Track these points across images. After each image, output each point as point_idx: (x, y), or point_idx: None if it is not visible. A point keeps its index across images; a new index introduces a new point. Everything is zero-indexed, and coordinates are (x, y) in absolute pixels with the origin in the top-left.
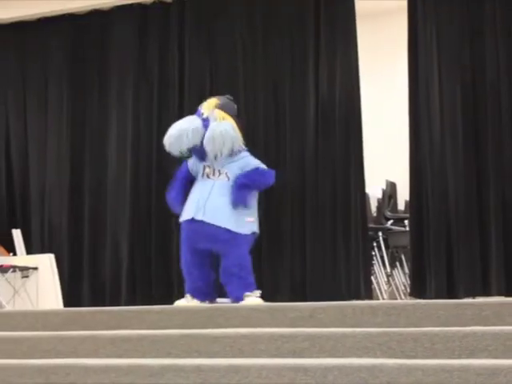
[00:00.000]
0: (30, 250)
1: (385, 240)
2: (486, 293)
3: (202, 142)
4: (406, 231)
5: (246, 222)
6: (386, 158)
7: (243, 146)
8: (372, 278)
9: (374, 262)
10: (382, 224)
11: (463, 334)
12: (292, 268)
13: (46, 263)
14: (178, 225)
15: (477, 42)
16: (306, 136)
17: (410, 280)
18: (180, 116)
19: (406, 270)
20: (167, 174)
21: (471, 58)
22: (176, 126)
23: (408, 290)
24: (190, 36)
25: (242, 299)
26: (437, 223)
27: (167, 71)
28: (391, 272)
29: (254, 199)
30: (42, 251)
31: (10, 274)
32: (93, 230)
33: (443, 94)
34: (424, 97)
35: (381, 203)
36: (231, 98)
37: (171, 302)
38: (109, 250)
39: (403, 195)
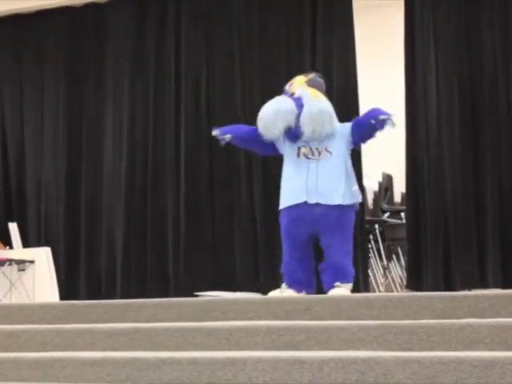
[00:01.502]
0: (26, 243)
1: (381, 232)
2: (483, 285)
3: (295, 123)
4: (402, 224)
5: (354, 192)
6: (383, 151)
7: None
8: (368, 270)
9: (371, 254)
10: (378, 216)
11: (459, 326)
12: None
13: (43, 256)
14: (174, 215)
15: (474, 34)
16: None
17: (407, 272)
18: (176, 108)
19: (403, 263)
20: (163, 166)
21: (468, 49)
22: (268, 108)
23: (404, 282)
24: (186, 28)
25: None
26: (433, 215)
27: (164, 63)
28: (387, 265)
29: (351, 166)
30: (39, 244)
31: (6, 268)
32: (89, 223)
33: (440, 86)
34: (421, 89)
35: (377, 195)
36: (319, 74)
37: (167, 295)
38: (105, 243)
39: (399, 187)
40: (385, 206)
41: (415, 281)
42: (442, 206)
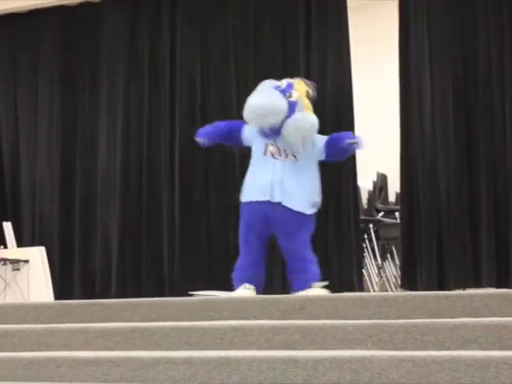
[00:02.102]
0: (20, 242)
1: (375, 232)
2: (477, 285)
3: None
4: (396, 223)
5: (315, 202)
6: (377, 150)
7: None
8: (363, 270)
9: (365, 254)
10: (372, 216)
11: (453, 325)
12: (284, 260)
13: (37, 256)
14: (169, 215)
15: (468, 34)
16: None
17: (401, 272)
18: (171, 108)
19: (397, 262)
20: (157, 166)
21: (462, 49)
22: (262, 100)
23: (399, 281)
24: (181, 27)
25: (306, 289)
26: (428, 215)
27: (158, 63)
28: (382, 264)
29: (318, 175)
30: (33, 244)
31: (0, 267)
32: (83, 223)
33: (434, 85)
34: (415, 89)
35: (371, 195)
36: (315, 85)
37: (162, 295)
38: (99, 243)
39: (394, 187)
40: (379, 206)
41: (409, 280)
42: (437, 205)
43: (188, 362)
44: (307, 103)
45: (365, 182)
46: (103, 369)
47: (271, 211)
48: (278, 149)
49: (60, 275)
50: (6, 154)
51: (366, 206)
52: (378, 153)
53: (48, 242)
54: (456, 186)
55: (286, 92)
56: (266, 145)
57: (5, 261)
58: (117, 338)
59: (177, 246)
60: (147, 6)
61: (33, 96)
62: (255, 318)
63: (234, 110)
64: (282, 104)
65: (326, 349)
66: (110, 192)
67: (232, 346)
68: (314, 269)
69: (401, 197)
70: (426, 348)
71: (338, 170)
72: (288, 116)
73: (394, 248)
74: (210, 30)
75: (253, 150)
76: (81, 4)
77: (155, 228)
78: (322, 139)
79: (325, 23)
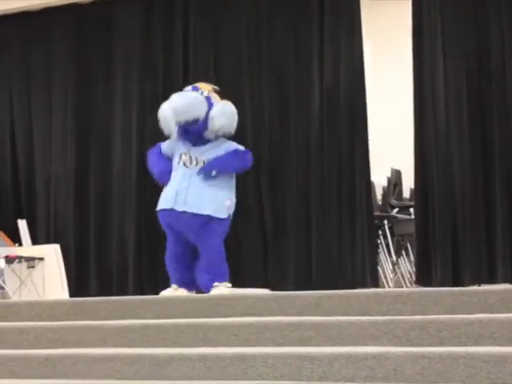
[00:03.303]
0: (35, 240)
1: (390, 228)
2: (492, 280)
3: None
4: (411, 219)
5: (224, 206)
6: (391, 146)
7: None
8: (378, 266)
9: (380, 250)
10: (387, 212)
11: (469, 321)
12: (298, 257)
13: (52, 253)
14: None
15: (482, 29)
16: (311, 124)
17: (416, 268)
18: None
19: (412, 258)
20: None
21: (476, 43)
22: (180, 99)
23: (414, 278)
24: (194, 24)
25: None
26: (442, 211)
27: (172, 59)
28: (397, 260)
29: (230, 179)
30: (48, 241)
31: (15, 265)
32: (99, 220)
33: (448, 80)
34: (429, 84)
35: (386, 191)
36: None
37: None
38: (115, 240)
39: (408, 183)
40: (394, 202)
41: (424, 276)
42: (451, 201)
43: (203, 358)
44: (217, 97)
45: (379, 178)
46: (118, 366)
47: (176, 218)
48: (190, 157)
49: (76, 273)
50: (20, 152)
51: (380, 202)
52: (392, 149)
53: (64, 240)
54: (470, 182)
55: (196, 90)
56: (180, 154)
57: (20, 258)
58: (131, 335)
59: None
60: (160, 1)
61: (47, 95)
62: (270, 314)
63: (247, 107)
64: (200, 97)
65: (341, 345)
66: (126, 190)
67: (247, 342)
68: (222, 270)
69: (415, 193)
70: (441, 344)
71: (351, 166)
72: (209, 108)
73: (408, 244)
74: (223, 26)
75: (172, 160)
76: (93, 1)
77: None
78: (231, 146)
79: (338, 18)
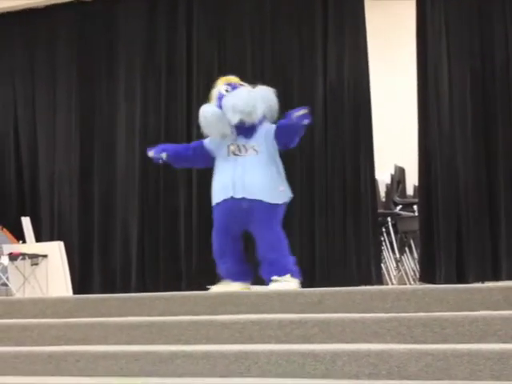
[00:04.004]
0: (39, 237)
1: (394, 225)
2: (496, 278)
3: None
4: (414, 216)
5: (279, 192)
6: (395, 143)
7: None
8: (381, 263)
9: (383, 247)
10: (390, 209)
11: (473, 318)
12: (301, 254)
13: (56, 250)
14: (186, 211)
15: (485, 27)
16: (315, 121)
17: (420, 265)
18: (188, 102)
19: (415, 255)
20: None
21: (480, 42)
22: (239, 97)
23: (417, 275)
24: (198, 22)
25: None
26: (446, 208)
27: (175, 58)
28: (400, 257)
29: (279, 168)
30: (52, 238)
31: (19, 262)
32: (102, 217)
33: (452, 77)
34: (433, 81)
35: (389, 188)
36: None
37: (180, 289)
38: (118, 237)
39: (412, 180)
40: (397, 199)
41: (428, 273)
42: (455, 198)
43: (207, 355)
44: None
45: (383, 176)
46: (122, 363)
47: (237, 207)
48: (238, 146)
49: (79, 270)
50: (24, 149)
51: (383, 200)
52: (396, 146)
53: (67, 238)
54: (474, 179)
55: (234, 87)
56: (228, 146)
57: (24, 256)
58: (135, 333)
59: (194, 241)
60: (163, 0)
61: (50, 92)
62: (273, 311)
63: None
64: (250, 91)
65: (345, 342)
66: (129, 188)
67: (250, 339)
68: (287, 260)
69: (419, 190)
70: (445, 341)
71: (355, 163)
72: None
73: (412, 241)
74: (227, 23)
75: (217, 158)
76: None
77: (173, 223)
78: (273, 128)
79: (342, 15)
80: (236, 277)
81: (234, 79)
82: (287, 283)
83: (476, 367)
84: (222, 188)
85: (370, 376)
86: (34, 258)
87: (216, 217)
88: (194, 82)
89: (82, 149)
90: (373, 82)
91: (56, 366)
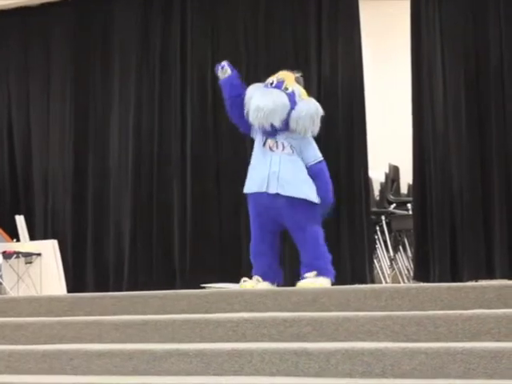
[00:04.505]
0: (33, 235)
1: (388, 224)
2: (490, 276)
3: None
4: (409, 215)
5: (315, 190)
6: (389, 142)
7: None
8: (375, 262)
9: (377, 246)
10: (384, 208)
11: (466, 317)
12: (295, 252)
13: (50, 249)
14: (180, 210)
15: (480, 28)
16: None
17: (414, 264)
18: (182, 100)
19: (409, 254)
20: (169, 158)
21: (474, 41)
22: (264, 99)
23: (411, 273)
24: (192, 18)
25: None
26: (440, 206)
27: (169, 54)
28: (394, 256)
29: None
30: (46, 237)
31: (13, 260)
32: (96, 216)
33: (446, 77)
34: (427, 81)
35: (383, 187)
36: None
37: (173, 287)
38: (112, 236)
39: (406, 179)
40: (391, 198)
41: (422, 272)
42: (449, 197)
43: (200, 354)
44: (302, 90)
45: (377, 174)
46: (116, 361)
47: (270, 203)
48: (276, 142)
49: (73, 268)
50: (18, 147)
51: (378, 198)
52: (390, 144)
53: (61, 236)
54: (468, 178)
55: (280, 87)
56: (266, 138)
57: (17, 254)
58: (129, 331)
59: (188, 239)
60: None
61: (45, 89)
62: (267, 310)
63: None
64: (284, 99)
65: (339, 341)
66: (122, 185)
67: (244, 338)
68: (320, 259)
69: (413, 188)
70: (438, 340)
71: (349, 162)
72: (292, 108)
73: (406, 240)
74: (221, 21)
75: (255, 140)
76: None
77: (167, 221)
78: (307, 149)
79: (336, 15)
80: (265, 276)
81: (289, 78)
82: (315, 281)
83: (469, 365)
84: (256, 180)
85: (363, 374)
86: (28, 256)
87: (251, 208)
88: (187, 81)
89: (76, 147)
90: (367, 81)
91: (50, 364)
